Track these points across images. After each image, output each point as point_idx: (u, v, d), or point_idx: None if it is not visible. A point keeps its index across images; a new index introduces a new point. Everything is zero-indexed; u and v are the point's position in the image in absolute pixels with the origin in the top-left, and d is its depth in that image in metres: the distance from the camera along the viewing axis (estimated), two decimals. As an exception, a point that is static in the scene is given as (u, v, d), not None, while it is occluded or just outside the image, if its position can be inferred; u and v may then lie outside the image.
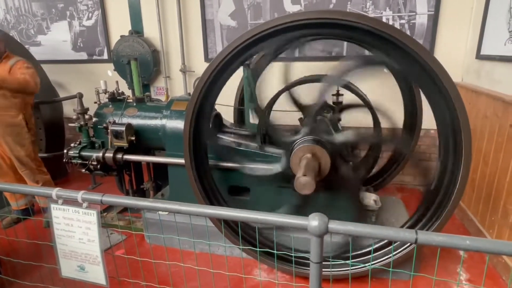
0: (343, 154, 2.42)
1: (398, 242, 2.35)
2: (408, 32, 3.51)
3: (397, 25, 3.54)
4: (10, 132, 3.10)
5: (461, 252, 2.72)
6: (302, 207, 2.33)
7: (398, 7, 3.52)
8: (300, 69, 3.02)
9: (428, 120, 2.74)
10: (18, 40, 4.59)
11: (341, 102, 3.20)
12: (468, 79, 3.42)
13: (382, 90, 3.25)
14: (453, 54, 3.50)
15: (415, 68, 1.99)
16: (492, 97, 2.76)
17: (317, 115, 2.44)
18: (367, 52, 3.56)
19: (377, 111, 2.94)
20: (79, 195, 1.57)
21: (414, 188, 4.01)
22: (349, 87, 3.00)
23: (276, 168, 2.49)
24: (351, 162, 2.63)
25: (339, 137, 2.36)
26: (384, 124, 2.99)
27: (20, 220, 3.28)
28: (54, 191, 1.61)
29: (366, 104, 2.99)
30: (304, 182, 2.06)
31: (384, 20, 3.55)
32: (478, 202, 2.98)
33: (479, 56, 3.15)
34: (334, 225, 1.26)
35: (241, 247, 2.47)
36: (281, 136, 2.47)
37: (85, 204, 1.59)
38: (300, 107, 2.55)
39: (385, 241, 2.40)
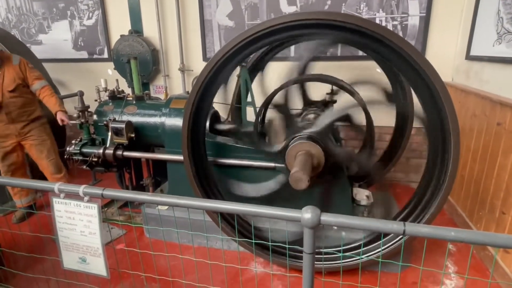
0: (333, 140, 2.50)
1: (388, 236, 2.44)
2: (400, 33, 3.59)
3: (389, 26, 3.62)
4: (35, 125, 3.30)
5: (448, 244, 2.81)
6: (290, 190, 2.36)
7: (391, 9, 3.61)
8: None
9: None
10: (20, 39, 4.65)
11: (335, 101, 3.27)
12: (458, 79, 3.51)
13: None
14: (443, 55, 3.59)
15: (407, 68, 2.07)
16: (481, 97, 2.85)
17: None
18: (360, 52, 3.67)
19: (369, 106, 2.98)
20: (81, 189, 1.62)
21: (406, 184, 4.10)
22: (343, 86, 3.08)
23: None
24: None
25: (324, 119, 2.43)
26: (376, 123, 3.08)
27: (30, 214, 3.41)
28: (56, 185, 1.66)
29: (359, 102, 3.06)
30: (298, 177, 2.14)
31: (377, 21, 3.63)
32: (466, 198, 3.07)
33: (468, 57, 3.24)
34: (326, 217, 1.32)
35: (237, 239, 2.55)
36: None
37: (86, 198, 1.64)
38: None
39: (376, 234, 2.49)
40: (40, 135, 3.33)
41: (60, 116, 3.10)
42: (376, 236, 2.49)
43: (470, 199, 3.00)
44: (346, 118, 2.51)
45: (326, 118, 2.46)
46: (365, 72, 3.34)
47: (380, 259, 1.67)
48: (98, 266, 1.79)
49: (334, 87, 3.26)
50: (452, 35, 3.55)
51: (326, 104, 3.24)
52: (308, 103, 3.25)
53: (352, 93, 3.10)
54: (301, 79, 3.13)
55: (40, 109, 3.35)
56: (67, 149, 3.18)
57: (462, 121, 3.07)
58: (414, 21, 3.59)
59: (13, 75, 3.08)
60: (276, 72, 2.85)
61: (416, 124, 3.22)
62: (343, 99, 3.25)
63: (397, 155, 3.38)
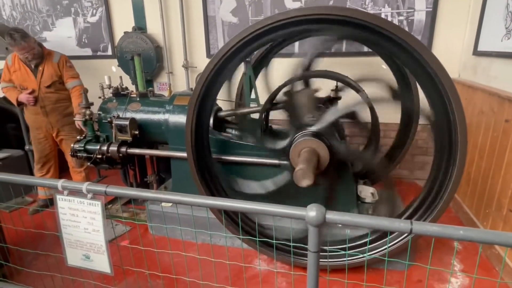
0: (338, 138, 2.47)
1: (394, 234, 2.41)
2: (406, 29, 3.54)
3: (395, 22, 3.57)
4: (67, 121, 3.50)
5: (455, 243, 2.78)
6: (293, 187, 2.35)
7: (397, 4, 3.56)
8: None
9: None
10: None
11: (340, 98, 3.24)
12: (465, 75, 3.46)
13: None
14: (450, 51, 3.54)
15: (413, 63, 2.04)
16: (488, 93, 2.81)
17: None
18: (366, 48, 3.63)
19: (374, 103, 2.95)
20: (84, 186, 1.62)
21: (411, 181, 4.06)
22: (348, 82, 3.05)
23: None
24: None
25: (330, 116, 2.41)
26: (382, 119, 3.05)
27: (47, 206, 3.59)
28: (60, 183, 1.66)
29: (365, 99, 3.03)
30: (303, 174, 2.12)
31: (383, 16, 3.58)
32: (473, 195, 3.03)
33: (476, 53, 3.19)
34: (332, 215, 1.30)
35: (241, 237, 2.54)
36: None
37: (89, 195, 1.63)
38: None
39: (382, 232, 2.47)
40: (71, 131, 3.53)
41: (76, 121, 3.29)
42: (381, 234, 2.47)
43: (477, 197, 2.96)
44: (351, 116, 2.48)
45: (331, 115, 2.44)
46: (371, 68, 3.30)
47: (386, 258, 1.65)
48: (102, 263, 1.79)
49: (339, 84, 3.23)
50: (459, 30, 3.49)
51: (331, 100, 3.21)
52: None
53: (357, 89, 3.08)
54: (306, 76, 3.11)
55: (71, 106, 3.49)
56: (72, 146, 3.19)
57: (469, 117, 3.03)
58: (420, 16, 3.54)
59: (51, 71, 3.30)
60: (280, 68, 2.83)
61: (422, 121, 3.19)
62: (348, 96, 3.23)
63: (402, 152, 3.34)
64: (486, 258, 2.68)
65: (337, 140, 2.43)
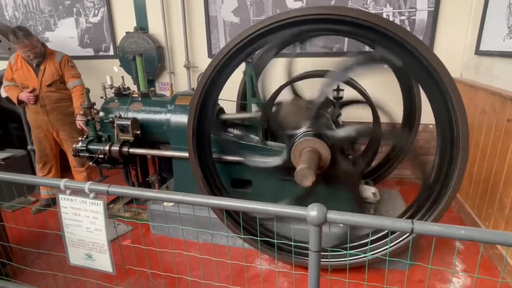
0: (343, 148, 2.48)
1: (395, 234, 2.41)
2: (408, 28, 3.54)
3: (397, 21, 3.57)
4: (68, 121, 3.50)
5: (457, 243, 2.77)
6: (303, 199, 2.39)
7: (399, 4, 3.56)
8: (302, 64, 3.08)
9: (427, 115, 2.77)
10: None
11: (341, 97, 3.25)
12: (467, 75, 3.45)
13: (382, 85, 3.29)
14: (452, 50, 3.54)
15: (415, 63, 2.04)
16: (490, 92, 2.80)
17: (320, 109, 2.48)
18: (367, 48, 3.63)
19: (377, 107, 2.98)
20: (86, 185, 1.63)
21: (413, 181, 4.05)
22: (350, 82, 3.05)
23: (276, 160, 2.55)
24: (350, 156, 2.69)
25: (340, 132, 2.41)
26: (383, 119, 3.05)
27: (50, 206, 3.59)
28: (62, 182, 1.66)
29: (367, 99, 3.03)
30: (304, 174, 2.12)
31: (384, 16, 3.58)
32: (475, 195, 3.03)
33: (478, 52, 3.18)
34: (333, 215, 1.31)
35: (242, 236, 2.55)
36: (283, 130, 2.51)
37: (92, 195, 1.64)
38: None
39: (383, 232, 2.47)
40: (71, 132, 3.54)
41: (77, 121, 3.31)
42: (383, 234, 2.47)
43: (479, 197, 2.95)
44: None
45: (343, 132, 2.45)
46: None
47: (387, 257, 1.65)
48: (104, 262, 1.80)
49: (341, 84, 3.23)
50: (461, 30, 3.49)
51: (332, 100, 3.22)
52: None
53: (359, 89, 3.08)
54: (307, 76, 3.11)
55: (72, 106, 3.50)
56: (74, 146, 3.20)
57: (471, 117, 3.02)
58: (422, 15, 3.53)
59: (52, 70, 3.33)
60: (281, 68, 2.83)
61: (424, 120, 3.19)
62: (349, 95, 3.23)
63: (404, 152, 3.34)
64: (488, 258, 2.68)
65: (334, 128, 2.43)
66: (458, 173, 2.12)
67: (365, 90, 3.08)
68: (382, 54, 2.18)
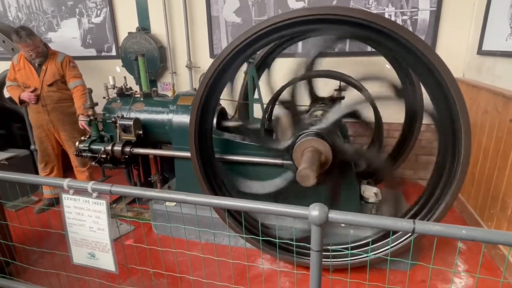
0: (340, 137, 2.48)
1: (397, 234, 2.41)
2: (410, 28, 3.53)
3: (399, 21, 3.57)
4: (69, 121, 3.53)
5: (458, 243, 2.77)
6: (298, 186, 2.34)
7: (401, 3, 3.55)
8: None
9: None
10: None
11: (343, 97, 3.25)
12: (469, 75, 3.44)
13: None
14: (454, 50, 3.53)
15: (417, 63, 2.04)
16: (493, 92, 2.79)
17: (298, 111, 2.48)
18: (369, 48, 3.63)
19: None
20: (89, 185, 1.64)
21: (415, 181, 4.05)
22: (351, 81, 3.05)
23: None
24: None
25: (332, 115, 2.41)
26: (385, 119, 3.05)
27: (53, 205, 3.62)
28: (65, 182, 1.67)
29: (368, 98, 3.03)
30: (306, 174, 2.13)
31: (386, 16, 3.58)
32: (477, 196, 3.02)
33: (480, 52, 3.17)
34: (334, 214, 1.31)
35: (244, 236, 2.55)
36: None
37: (95, 194, 1.65)
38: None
39: (385, 232, 2.47)
40: (72, 132, 3.56)
41: (79, 121, 3.33)
42: (384, 234, 2.47)
43: (481, 197, 2.95)
44: (354, 114, 2.48)
45: (333, 114, 2.44)
46: (374, 68, 3.29)
47: (388, 257, 1.65)
48: (106, 261, 1.81)
49: (342, 83, 3.23)
50: (463, 30, 3.48)
51: (334, 100, 3.21)
52: (316, 99, 3.23)
53: (360, 89, 3.08)
54: (309, 75, 3.11)
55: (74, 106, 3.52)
56: (77, 145, 3.22)
57: (474, 117, 3.01)
58: (424, 15, 3.53)
59: (54, 70, 3.35)
60: (283, 68, 2.84)
61: (426, 120, 3.18)
62: (351, 95, 3.22)
63: (406, 152, 3.34)
64: (490, 259, 2.67)
65: (340, 139, 2.43)
66: (460, 173, 2.12)
67: (366, 88, 3.08)
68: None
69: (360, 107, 2.45)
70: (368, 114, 2.63)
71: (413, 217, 2.41)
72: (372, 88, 3.12)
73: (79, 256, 1.85)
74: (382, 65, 3.14)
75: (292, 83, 2.48)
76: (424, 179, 3.94)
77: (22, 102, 3.44)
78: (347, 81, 3.15)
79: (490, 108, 2.84)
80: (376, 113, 3.15)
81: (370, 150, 3.32)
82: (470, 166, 3.01)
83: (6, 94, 3.92)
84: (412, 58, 2.03)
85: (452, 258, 2.68)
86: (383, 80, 2.66)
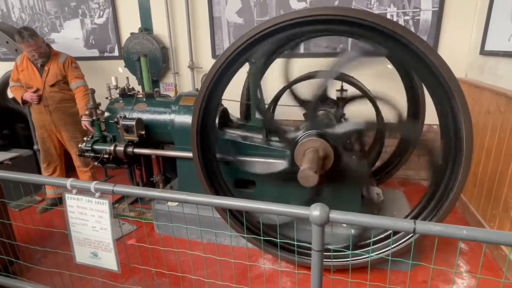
0: (346, 147, 2.48)
1: (399, 235, 2.41)
2: (412, 29, 3.53)
3: (401, 22, 3.56)
4: (71, 121, 3.55)
5: (460, 243, 2.76)
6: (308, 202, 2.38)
7: (403, 4, 3.55)
8: (306, 64, 3.08)
9: (431, 115, 2.76)
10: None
11: (345, 98, 3.24)
12: (472, 75, 3.43)
13: (385, 85, 3.29)
14: (457, 50, 3.52)
15: (418, 63, 2.03)
16: (495, 93, 2.79)
17: (316, 109, 2.48)
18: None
19: (380, 100, 2.95)
20: (92, 185, 1.65)
21: (417, 182, 4.04)
22: (353, 82, 3.05)
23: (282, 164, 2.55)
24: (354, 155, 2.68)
25: (347, 126, 2.41)
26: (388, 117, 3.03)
27: (56, 205, 3.62)
28: (69, 181, 1.69)
29: (370, 99, 3.03)
30: (307, 175, 2.13)
31: (388, 16, 3.58)
32: (479, 196, 3.01)
33: (483, 52, 3.17)
34: (335, 214, 1.31)
35: (245, 235, 2.56)
36: (284, 133, 2.53)
37: (97, 194, 1.66)
38: (302, 102, 2.61)
39: (386, 233, 2.46)
40: (74, 132, 3.58)
41: (82, 121, 3.35)
42: (386, 235, 2.47)
43: (484, 198, 2.94)
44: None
45: (349, 125, 2.45)
46: (376, 68, 3.28)
47: (390, 257, 1.65)
48: (109, 260, 1.82)
49: (344, 84, 3.23)
50: (466, 30, 3.47)
51: (336, 101, 3.22)
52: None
53: (362, 89, 3.08)
54: (309, 76, 3.11)
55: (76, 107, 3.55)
56: (80, 145, 3.24)
57: (476, 118, 3.01)
58: (426, 16, 3.52)
59: (56, 71, 3.37)
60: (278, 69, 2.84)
61: (428, 121, 3.17)
62: (354, 93, 3.22)
63: (408, 152, 3.33)
64: (493, 260, 2.66)
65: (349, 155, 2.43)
66: (462, 173, 2.11)
67: (368, 90, 3.08)
68: (378, 48, 2.16)
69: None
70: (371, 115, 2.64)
71: (415, 217, 2.40)
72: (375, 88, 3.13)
73: (82, 255, 1.86)
74: (384, 65, 3.14)
75: (294, 83, 2.48)
76: (426, 180, 3.93)
77: (24, 102, 3.46)
78: (349, 82, 3.14)
79: (492, 108, 2.84)
80: (378, 113, 3.14)
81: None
82: (473, 167, 3.01)
83: (10, 94, 3.95)
84: (414, 58, 2.02)
85: (454, 259, 2.67)
86: (391, 105, 2.68)
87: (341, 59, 2.26)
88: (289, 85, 2.86)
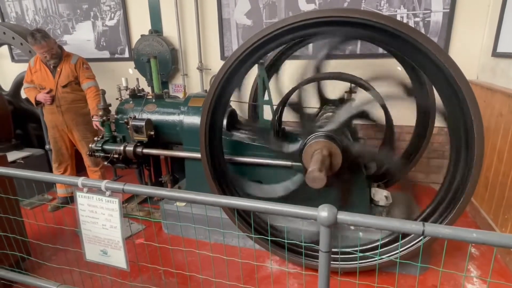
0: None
1: (407, 238, 2.39)
2: (422, 30, 3.50)
3: (411, 23, 3.53)
4: (82, 121, 3.62)
5: (470, 246, 2.72)
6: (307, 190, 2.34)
7: (413, 5, 3.52)
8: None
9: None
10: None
11: (353, 100, 3.23)
12: (484, 77, 3.38)
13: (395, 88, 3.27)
14: (468, 52, 3.47)
15: (429, 65, 2.02)
16: (508, 95, 2.74)
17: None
18: (380, 50, 3.60)
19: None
20: (103, 184, 1.68)
21: (426, 185, 3.99)
22: (361, 84, 3.03)
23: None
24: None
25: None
26: (396, 122, 3.01)
27: (67, 203, 3.68)
28: (80, 180, 1.72)
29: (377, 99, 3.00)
30: (315, 176, 2.12)
31: (398, 18, 3.55)
32: (491, 200, 2.96)
33: (495, 54, 3.12)
34: (343, 216, 1.31)
35: (253, 236, 2.56)
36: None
37: (108, 193, 1.69)
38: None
39: (395, 235, 2.44)
40: (85, 132, 3.64)
41: (93, 122, 3.40)
42: (394, 238, 2.44)
43: (495, 202, 2.89)
44: (363, 115, 2.46)
45: (342, 115, 2.43)
46: (385, 69, 3.26)
47: (398, 260, 1.64)
48: (118, 258, 1.84)
49: (353, 85, 3.22)
50: (477, 32, 3.42)
51: (343, 102, 3.20)
52: (325, 101, 3.22)
53: (371, 91, 3.05)
54: (319, 78, 3.10)
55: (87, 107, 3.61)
56: (90, 145, 3.29)
57: (487, 120, 2.96)
58: (437, 17, 3.49)
59: (68, 72, 3.44)
60: (292, 71, 2.84)
61: (438, 123, 3.13)
62: (361, 97, 3.20)
63: (417, 155, 3.30)
64: (505, 265, 2.61)
65: (350, 140, 2.42)
66: (473, 177, 2.08)
67: (377, 91, 3.05)
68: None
69: (369, 107, 2.43)
70: (377, 114, 2.61)
71: (424, 220, 2.38)
72: (382, 88, 3.10)
73: (91, 253, 1.88)
74: (394, 67, 3.12)
75: (301, 85, 2.48)
76: (436, 183, 3.88)
77: (38, 103, 3.54)
78: (357, 83, 3.13)
79: (504, 110, 2.79)
80: (387, 115, 3.12)
81: (381, 151, 3.29)
82: (484, 170, 2.97)
83: (23, 95, 4.04)
84: (425, 60, 2.00)
85: (463, 264, 2.63)
86: (392, 79, 2.64)
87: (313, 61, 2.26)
88: (296, 87, 2.85)
